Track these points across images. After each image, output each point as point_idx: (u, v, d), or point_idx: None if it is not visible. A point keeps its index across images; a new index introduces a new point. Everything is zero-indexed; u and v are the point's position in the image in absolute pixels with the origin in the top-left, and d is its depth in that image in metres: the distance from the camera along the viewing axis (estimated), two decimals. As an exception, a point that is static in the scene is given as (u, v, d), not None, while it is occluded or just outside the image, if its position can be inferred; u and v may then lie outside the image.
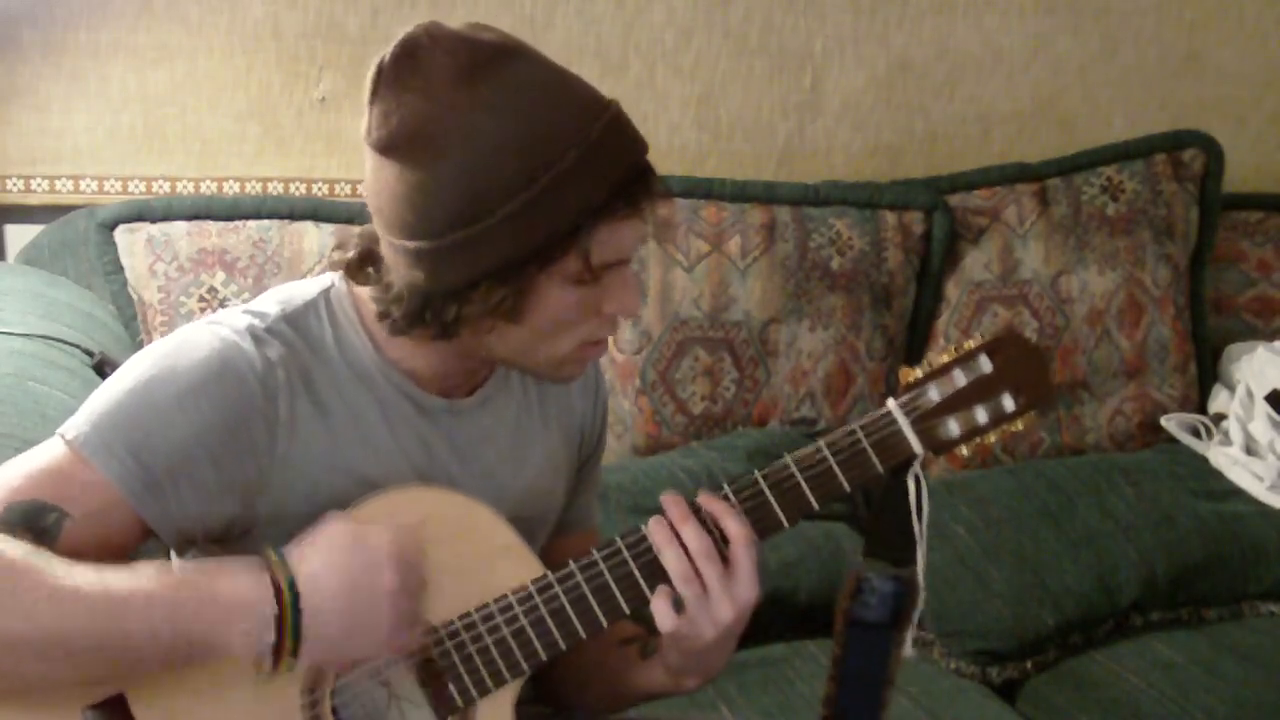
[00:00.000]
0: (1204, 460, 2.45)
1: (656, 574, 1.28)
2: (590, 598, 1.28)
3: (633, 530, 1.30)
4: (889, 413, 1.31)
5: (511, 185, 1.17)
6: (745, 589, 1.26)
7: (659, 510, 1.30)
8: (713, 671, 1.34)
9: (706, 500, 1.29)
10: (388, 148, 1.21)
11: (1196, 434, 2.54)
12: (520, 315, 1.23)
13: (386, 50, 1.22)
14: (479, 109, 1.17)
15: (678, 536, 1.27)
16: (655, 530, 1.28)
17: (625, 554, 1.29)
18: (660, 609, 1.27)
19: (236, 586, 1.16)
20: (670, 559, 1.27)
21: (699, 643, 1.28)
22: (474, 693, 1.27)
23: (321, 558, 1.18)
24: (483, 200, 1.18)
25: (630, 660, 1.41)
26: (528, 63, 1.21)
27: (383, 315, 1.27)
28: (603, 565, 1.28)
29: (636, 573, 1.28)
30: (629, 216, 1.22)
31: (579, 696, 1.50)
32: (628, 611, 1.29)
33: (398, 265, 1.24)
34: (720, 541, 1.27)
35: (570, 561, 1.29)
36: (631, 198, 1.22)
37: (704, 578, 1.26)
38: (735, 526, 1.27)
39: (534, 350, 1.28)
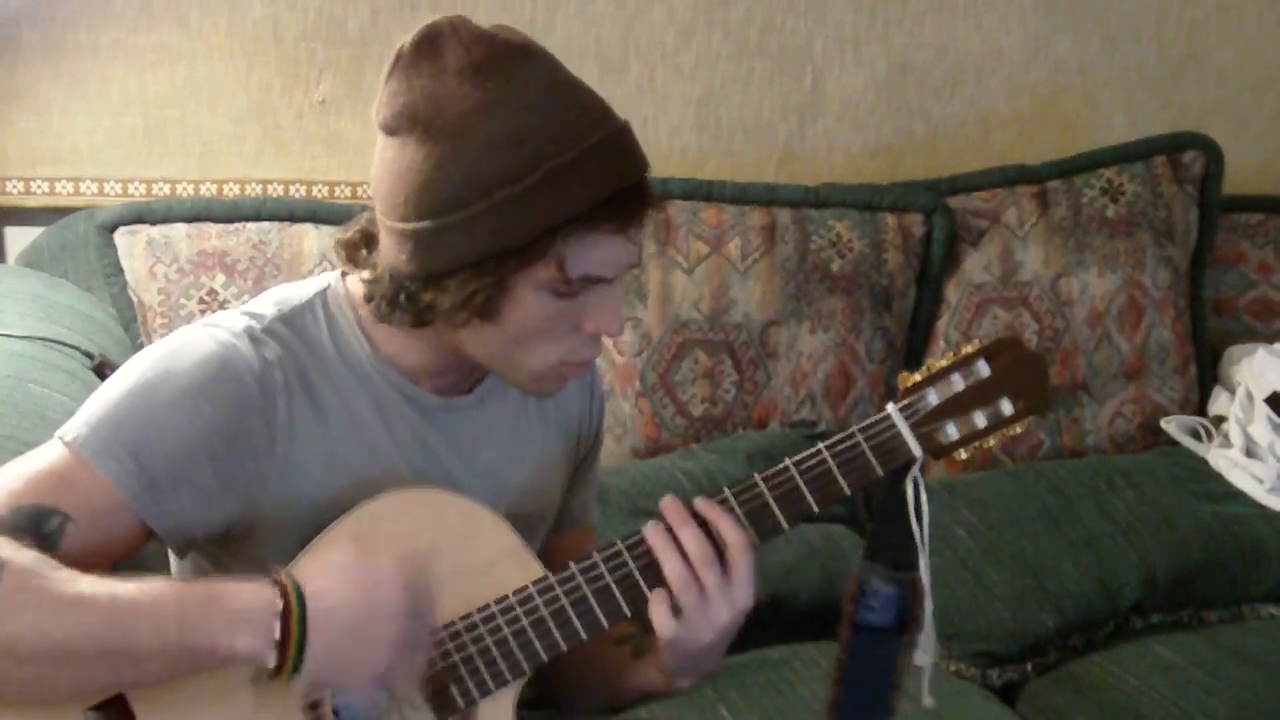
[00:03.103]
0: (1204, 462, 2.45)
1: (657, 576, 1.28)
2: (591, 599, 1.28)
3: (634, 533, 1.30)
4: (888, 416, 1.31)
5: (501, 177, 1.18)
6: (742, 593, 1.27)
7: (658, 512, 1.30)
8: (705, 672, 1.35)
9: (704, 505, 1.29)
10: (392, 127, 1.23)
11: (1196, 436, 2.54)
12: (495, 315, 1.23)
13: (409, 36, 1.24)
14: (483, 99, 1.19)
15: (676, 541, 1.27)
16: (653, 534, 1.28)
17: (626, 555, 1.29)
18: (659, 614, 1.27)
19: (244, 593, 1.16)
20: (669, 563, 1.27)
21: (696, 645, 1.28)
22: (475, 693, 1.27)
23: (331, 576, 1.18)
24: (471, 188, 1.19)
25: (624, 660, 1.41)
26: (542, 66, 1.22)
27: (368, 299, 1.28)
28: (603, 567, 1.29)
29: (637, 574, 1.29)
30: (613, 232, 1.22)
31: (576, 695, 1.50)
32: (629, 613, 1.29)
33: (388, 247, 1.25)
34: (718, 545, 1.27)
35: (570, 563, 1.29)
36: (617, 213, 1.21)
37: (702, 582, 1.26)
38: (732, 532, 1.27)
39: (509, 356, 1.27)
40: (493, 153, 1.18)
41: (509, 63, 1.20)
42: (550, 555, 1.43)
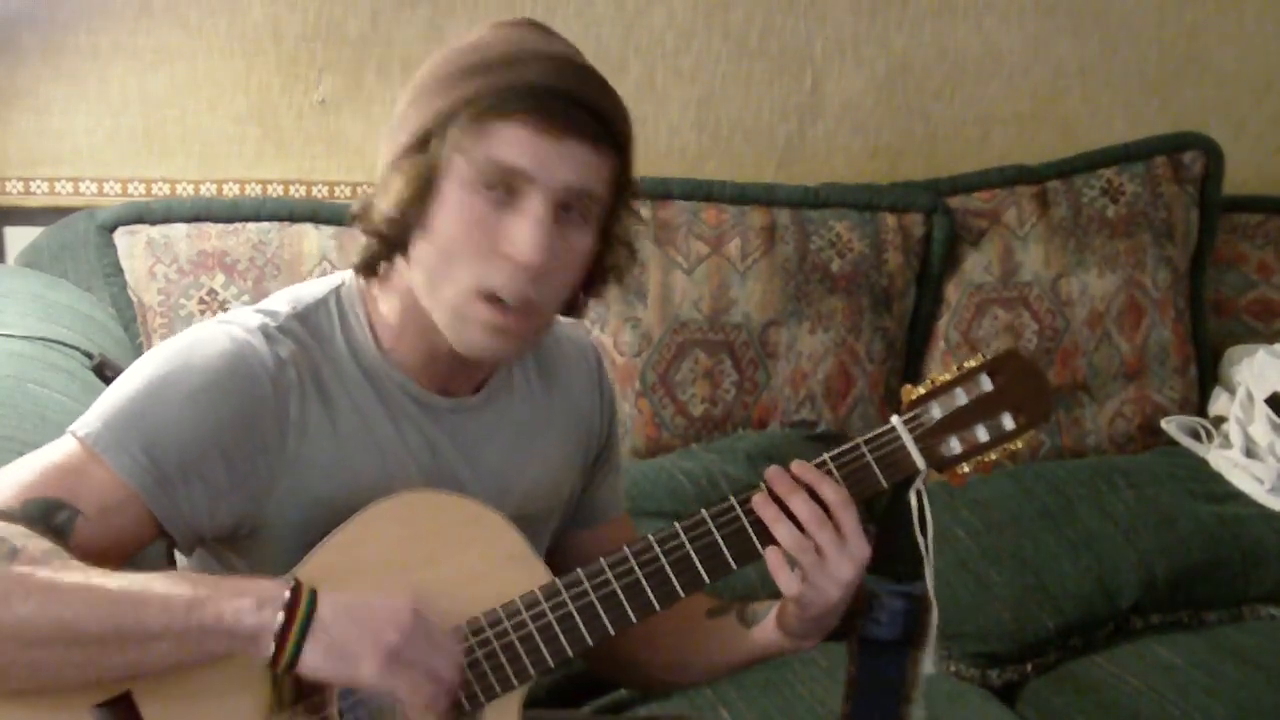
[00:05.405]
0: (1204, 463, 2.46)
1: (661, 584, 1.29)
2: (597, 605, 1.29)
3: (639, 540, 1.31)
4: (893, 428, 1.32)
5: (427, 76, 1.26)
6: (857, 545, 1.29)
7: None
8: (828, 630, 1.36)
9: (801, 470, 1.30)
10: None
11: (1196, 436, 2.54)
12: (426, 217, 1.24)
13: None
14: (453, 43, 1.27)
15: (786, 511, 1.29)
16: (763, 506, 1.29)
17: (632, 562, 1.30)
18: (781, 574, 1.29)
19: (258, 580, 1.17)
20: (783, 532, 1.28)
21: (824, 604, 1.30)
22: (481, 698, 1.27)
23: (348, 596, 1.18)
24: (408, 100, 1.26)
25: (732, 631, 1.43)
26: (537, 28, 1.28)
27: (368, 264, 1.30)
28: (609, 574, 1.29)
29: (643, 581, 1.29)
30: (532, 126, 1.21)
31: (678, 676, 1.53)
32: (635, 619, 1.30)
33: None
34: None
35: (578, 570, 1.30)
36: (537, 106, 1.21)
37: (818, 542, 1.28)
38: (831, 491, 1.29)
39: (435, 283, 1.26)
40: (431, 67, 1.26)
41: (503, 25, 1.27)
42: (582, 552, 1.44)
